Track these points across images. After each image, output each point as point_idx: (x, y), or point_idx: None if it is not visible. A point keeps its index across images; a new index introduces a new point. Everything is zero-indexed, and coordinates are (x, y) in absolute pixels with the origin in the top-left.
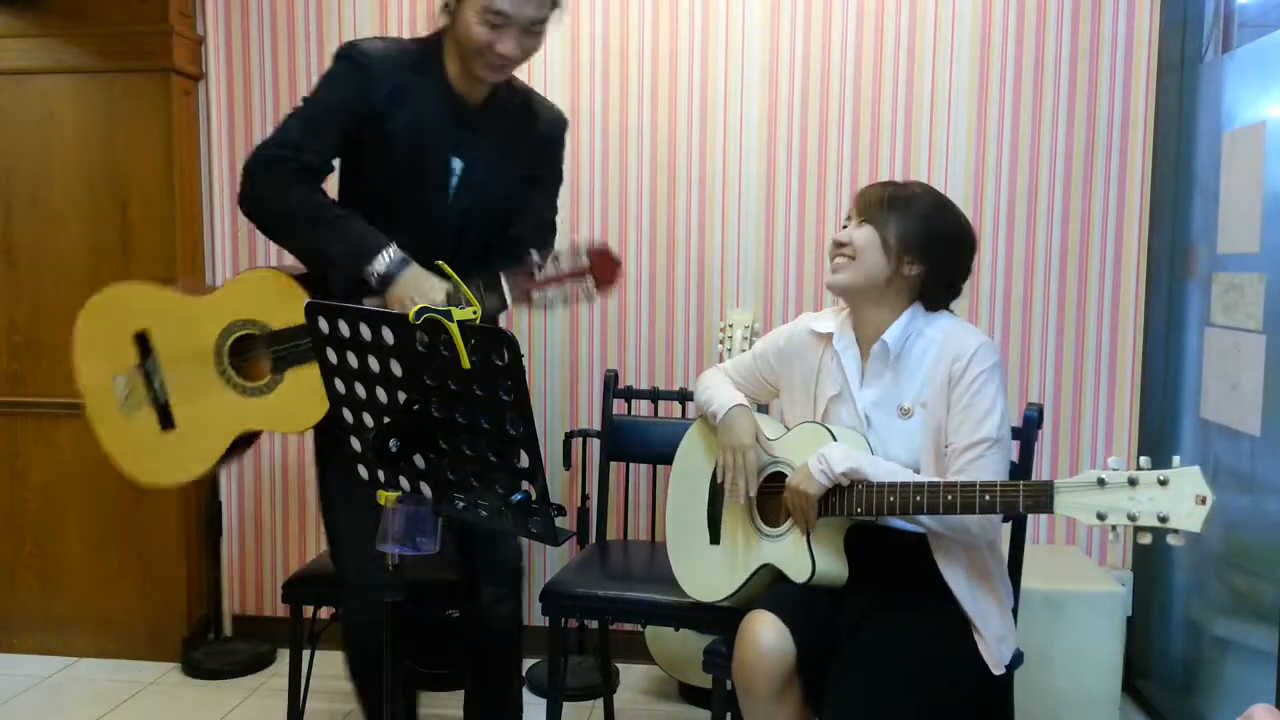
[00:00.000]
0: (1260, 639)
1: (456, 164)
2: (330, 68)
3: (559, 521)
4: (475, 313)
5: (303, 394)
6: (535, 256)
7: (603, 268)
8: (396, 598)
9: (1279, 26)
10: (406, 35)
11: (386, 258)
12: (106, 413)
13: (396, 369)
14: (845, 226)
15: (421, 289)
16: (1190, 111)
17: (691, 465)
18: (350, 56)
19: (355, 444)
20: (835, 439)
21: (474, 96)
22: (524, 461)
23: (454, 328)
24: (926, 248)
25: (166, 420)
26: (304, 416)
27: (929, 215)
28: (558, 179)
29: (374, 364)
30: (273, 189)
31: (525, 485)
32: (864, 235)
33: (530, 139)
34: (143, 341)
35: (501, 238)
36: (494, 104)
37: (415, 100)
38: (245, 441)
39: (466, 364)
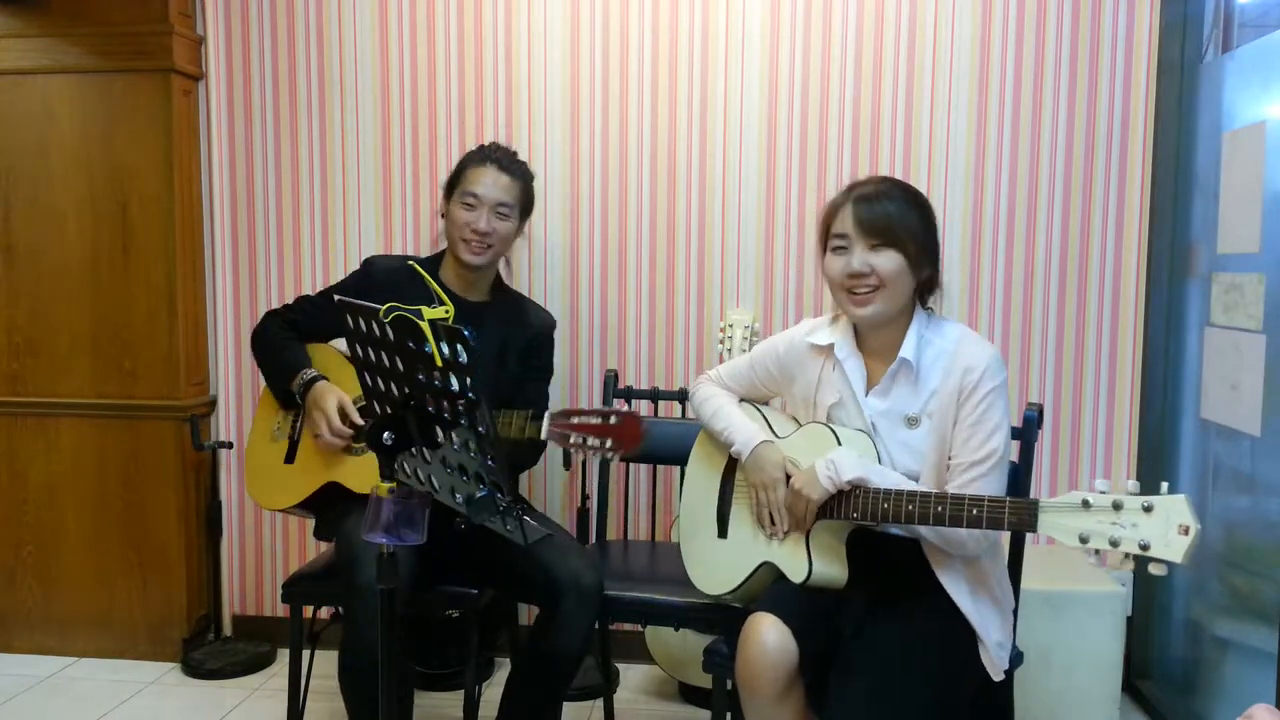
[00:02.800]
0: (1260, 639)
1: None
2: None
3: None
4: (448, 312)
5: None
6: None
7: (627, 429)
8: (392, 584)
9: (1279, 26)
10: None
11: (303, 378)
12: (262, 433)
13: (399, 363)
14: (841, 247)
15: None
16: (1190, 111)
17: (705, 460)
18: (364, 266)
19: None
20: (840, 441)
21: (470, 296)
22: (490, 460)
23: (425, 325)
24: (934, 248)
25: (290, 456)
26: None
27: (920, 210)
28: (549, 370)
29: (386, 359)
30: (262, 325)
31: (495, 482)
32: (890, 261)
33: (524, 332)
34: None
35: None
36: (491, 303)
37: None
38: (337, 492)
39: (439, 360)
